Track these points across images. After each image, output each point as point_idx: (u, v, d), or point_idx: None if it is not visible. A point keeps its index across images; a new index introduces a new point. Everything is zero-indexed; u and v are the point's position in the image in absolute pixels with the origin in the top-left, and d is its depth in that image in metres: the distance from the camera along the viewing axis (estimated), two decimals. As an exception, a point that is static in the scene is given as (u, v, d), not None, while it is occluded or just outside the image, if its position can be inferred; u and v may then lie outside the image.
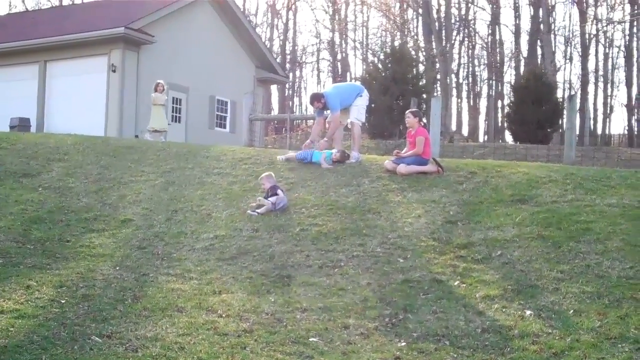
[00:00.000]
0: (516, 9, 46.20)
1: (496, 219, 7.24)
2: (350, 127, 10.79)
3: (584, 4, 41.33)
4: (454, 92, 48.12)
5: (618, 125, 70.69)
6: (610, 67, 47.79)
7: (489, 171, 9.01)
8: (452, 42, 45.04)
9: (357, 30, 54.62)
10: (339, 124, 10.65)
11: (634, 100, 40.49)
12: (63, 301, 5.46)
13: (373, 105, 29.05)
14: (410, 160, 9.25)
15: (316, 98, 10.58)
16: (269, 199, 8.07)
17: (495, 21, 46.28)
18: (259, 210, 8.01)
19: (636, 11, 36.06)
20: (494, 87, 49.08)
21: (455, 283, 5.90)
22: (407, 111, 9.88)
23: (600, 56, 47.64)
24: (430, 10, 40.58)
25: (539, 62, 39.93)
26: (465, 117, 50.14)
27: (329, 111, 10.53)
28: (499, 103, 47.23)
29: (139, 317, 5.19)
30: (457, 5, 46.21)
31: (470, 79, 51.25)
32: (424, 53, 42.24)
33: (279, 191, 8.19)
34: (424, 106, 24.68)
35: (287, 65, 49.85)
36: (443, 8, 43.73)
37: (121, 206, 8.61)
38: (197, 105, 22.21)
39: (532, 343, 4.69)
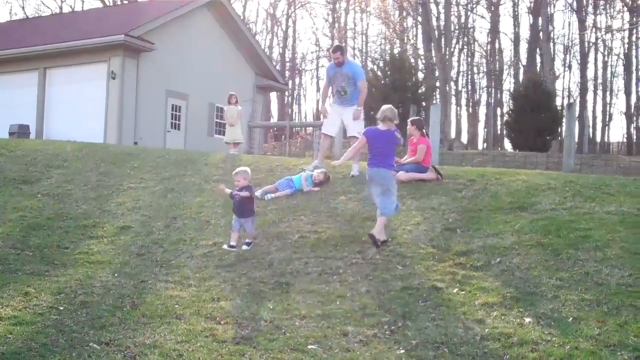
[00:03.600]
0: (515, 17, 46.49)
1: (495, 227, 7.23)
2: (351, 141, 10.39)
3: (583, 13, 41.49)
4: (453, 99, 48.29)
5: (617, 133, 70.97)
6: (609, 75, 48.07)
7: (488, 179, 9.01)
8: (452, 50, 45.21)
9: (357, 38, 54.85)
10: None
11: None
12: (61, 308, 5.45)
13: (372, 113, 29.07)
14: (409, 168, 9.26)
15: (340, 50, 9.85)
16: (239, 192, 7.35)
17: (494, 29, 46.46)
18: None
19: (635, 19, 36.16)
20: (493, 95, 49.29)
21: (454, 290, 5.89)
22: (408, 120, 9.91)
23: (600, 64, 47.90)
24: (430, 18, 40.70)
25: (538, 70, 40.09)
26: (464, 124, 50.32)
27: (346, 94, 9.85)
28: (498, 111, 47.40)
29: (137, 324, 5.18)
30: (456, 14, 46.39)
31: (469, 86, 51.45)
32: (424, 61, 42.39)
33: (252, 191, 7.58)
34: (423, 114, 24.70)
35: (287, 73, 49.97)
36: (442, 16, 43.92)
37: (120, 213, 8.60)
38: (196, 113, 22.25)
39: (532, 350, 4.68)
